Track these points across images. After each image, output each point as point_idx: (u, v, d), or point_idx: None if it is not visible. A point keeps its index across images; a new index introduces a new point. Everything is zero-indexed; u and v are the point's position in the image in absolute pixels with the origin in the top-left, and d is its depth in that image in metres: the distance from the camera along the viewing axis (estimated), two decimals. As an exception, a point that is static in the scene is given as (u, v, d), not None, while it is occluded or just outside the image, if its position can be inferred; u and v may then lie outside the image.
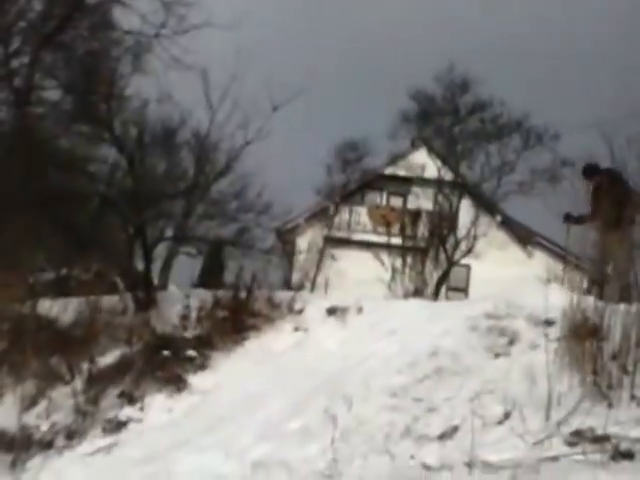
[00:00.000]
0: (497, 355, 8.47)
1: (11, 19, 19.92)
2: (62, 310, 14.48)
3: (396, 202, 32.95)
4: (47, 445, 11.07)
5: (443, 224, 27.89)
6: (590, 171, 11.39)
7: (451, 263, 27.42)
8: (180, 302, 14.06)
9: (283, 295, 14.01)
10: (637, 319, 7.08)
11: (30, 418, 11.69)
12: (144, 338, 12.95)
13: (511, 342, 8.63)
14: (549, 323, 8.39)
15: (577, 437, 6.28)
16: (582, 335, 7.32)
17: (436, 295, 22.96)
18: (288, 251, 29.15)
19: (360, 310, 12.31)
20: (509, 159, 29.58)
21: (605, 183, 10.39)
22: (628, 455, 5.91)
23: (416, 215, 29.40)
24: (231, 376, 11.56)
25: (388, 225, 29.31)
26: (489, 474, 6.21)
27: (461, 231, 27.85)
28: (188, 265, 26.73)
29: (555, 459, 6.08)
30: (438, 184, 29.24)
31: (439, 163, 29.57)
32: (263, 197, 19.63)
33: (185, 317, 13.44)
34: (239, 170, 19.40)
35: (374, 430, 7.76)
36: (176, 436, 9.85)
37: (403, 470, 6.95)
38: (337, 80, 50.80)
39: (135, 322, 14.00)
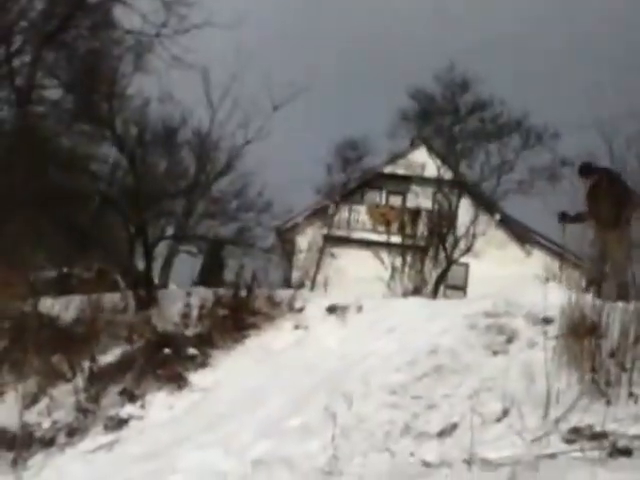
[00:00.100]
0: (496, 353, 8.49)
1: (12, 18, 20.00)
2: (63, 308, 14.51)
3: (395, 201, 32.96)
4: (48, 443, 11.09)
5: (442, 223, 27.89)
6: (586, 170, 11.49)
7: (450, 262, 27.43)
8: (181, 300, 14.09)
9: (283, 293, 14.03)
10: (635, 317, 7.12)
11: (31, 416, 11.70)
12: (145, 336, 12.96)
13: (510, 340, 8.66)
14: (547, 321, 8.42)
15: (575, 434, 6.30)
16: (580, 333, 7.34)
17: (435, 293, 22.97)
18: (288, 250, 29.19)
19: (360, 308, 12.33)
20: (509, 158, 29.64)
21: (601, 182, 10.47)
22: (626, 452, 5.92)
23: (416, 214, 29.43)
24: (232, 374, 11.58)
25: (387, 224, 29.39)
26: (488, 471, 6.21)
27: (460, 230, 27.85)
28: (189, 264, 26.86)
29: (553, 456, 6.09)
30: (437, 183, 29.26)
31: (439, 162, 29.59)
32: (263, 196, 19.76)
33: (186, 315, 13.47)
34: (240, 169, 19.48)
35: (374, 427, 7.77)
36: (177, 433, 9.86)
37: (403, 467, 6.95)
38: (337, 79, 50.85)
39: (136, 320, 14.02)
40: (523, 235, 31.83)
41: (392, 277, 20.42)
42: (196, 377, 11.70)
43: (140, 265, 17.56)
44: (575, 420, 6.45)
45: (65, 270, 19.40)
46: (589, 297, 7.95)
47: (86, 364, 12.53)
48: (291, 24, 56.61)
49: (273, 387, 10.16)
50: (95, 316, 13.97)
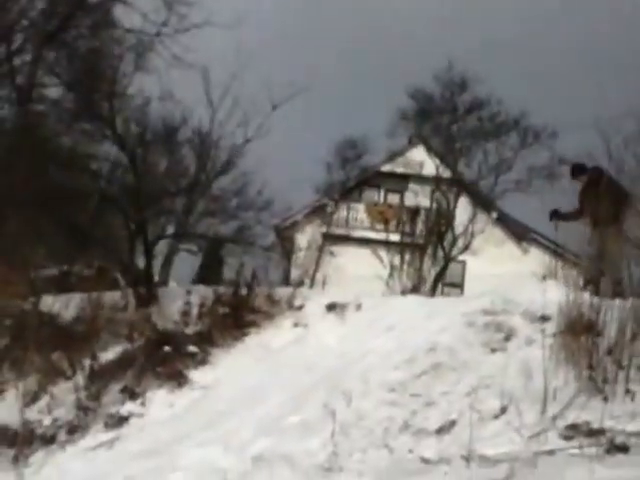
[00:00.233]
0: (494, 350, 8.51)
1: (13, 17, 20.01)
2: (64, 306, 14.54)
3: (393, 199, 32.92)
4: (49, 440, 11.14)
5: (441, 221, 27.92)
6: (578, 171, 11.63)
7: (448, 260, 27.48)
8: (181, 298, 14.14)
9: (283, 292, 14.07)
10: (632, 314, 7.16)
11: (32, 413, 11.75)
12: (145, 334, 13.00)
13: (507, 338, 8.67)
14: (545, 319, 8.46)
15: (573, 431, 6.34)
16: (578, 330, 7.38)
17: (433, 291, 23.01)
18: (287, 248, 29.20)
19: (359, 306, 12.37)
20: (507, 157, 29.68)
21: (593, 181, 10.62)
22: (623, 448, 5.97)
23: (414, 212, 29.49)
24: (232, 371, 11.62)
25: (386, 222, 29.42)
26: (486, 467, 6.25)
27: (458, 228, 27.90)
28: (189, 262, 26.89)
29: (551, 453, 6.13)
30: (436, 181, 29.28)
31: (437, 161, 29.62)
32: (263, 195, 19.80)
33: (186, 313, 13.51)
34: (240, 168, 19.56)
35: (373, 424, 7.81)
36: (177, 431, 9.90)
37: (401, 464, 6.99)
38: (337, 79, 50.87)
39: (136, 318, 14.05)
40: (520, 233, 31.85)
41: (391, 275, 20.45)
42: (196, 375, 11.74)
43: (140, 263, 17.61)
44: (572, 417, 6.49)
45: (65, 268, 19.40)
46: (586, 295, 7.99)
47: (86, 362, 12.57)
48: (291, 24, 56.63)
49: (273, 385, 10.20)
50: (95, 314, 14.01)
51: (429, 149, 30.79)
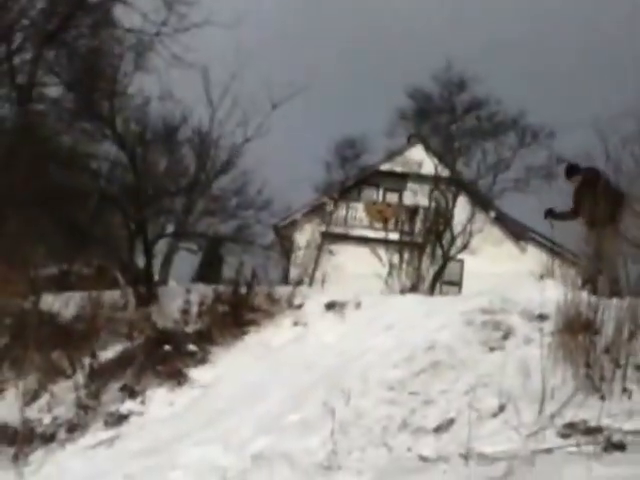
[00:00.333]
0: (492, 349, 8.53)
1: (14, 17, 20.01)
2: (64, 305, 14.56)
3: (392, 198, 32.94)
4: (49, 438, 11.14)
5: (439, 220, 27.96)
6: (572, 171, 11.70)
7: (447, 259, 27.51)
8: (181, 297, 14.16)
9: (282, 290, 14.10)
10: (629, 314, 7.19)
11: (32, 412, 11.76)
12: (145, 333, 13.04)
13: (506, 336, 8.71)
14: (543, 318, 8.50)
15: (570, 429, 6.34)
16: (575, 329, 7.39)
17: (432, 290, 23.05)
18: (286, 247, 29.22)
19: (358, 305, 12.40)
20: (505, 156, 29.79)
21: (587, 182, 10.68)
22: (620, 446, 5.96)
23: (413, 211, 29.53)
24: (231, 370, 11.64)
25: (384, 221, 29.45)
26: (484, 466, 6.25)
27: (457, 227, 27.93)
28: (188, 261, 26.91)
29: (549, 451, 6.13)
30: (434, 181, 29.32)
31: (436, 160, 29.65)
32: (263, 194, 19.86)
33: (186, 312, 13.55)
34: (239, 167, 19.60)
35: (372, 423, 7.82)
36: (177, 429, 9.91)
37: (400, 462, 6.99)
38: (336, 79, 50.89)
39: (136, 317, 14.09)
40: (518, 232, 31.87)
41: (390, 274, 20.50)
42: (196, 373, 11.75)
43: (140, 262, 17.65)
44: (570, 415, 6.50)
45: (65, 267, 19.46)
46: (584, 294, 8.01)
47: (86, 360, 12.59)
48: (291, 24, 56.67)
49: (272, 383, 10.21)
50: (95, 313, 14.04)
51: (428, 148, 30.83)
